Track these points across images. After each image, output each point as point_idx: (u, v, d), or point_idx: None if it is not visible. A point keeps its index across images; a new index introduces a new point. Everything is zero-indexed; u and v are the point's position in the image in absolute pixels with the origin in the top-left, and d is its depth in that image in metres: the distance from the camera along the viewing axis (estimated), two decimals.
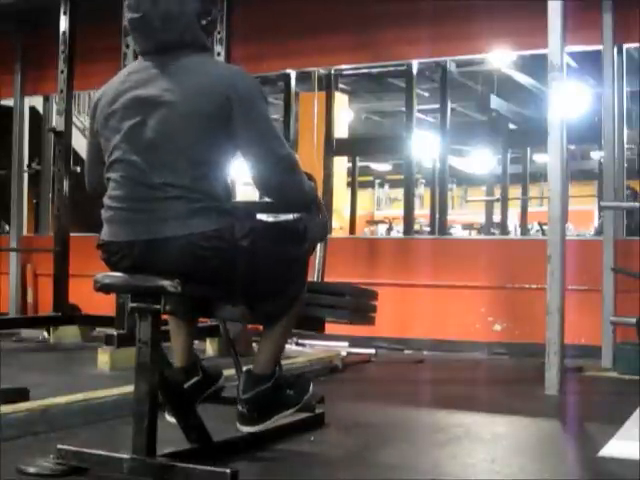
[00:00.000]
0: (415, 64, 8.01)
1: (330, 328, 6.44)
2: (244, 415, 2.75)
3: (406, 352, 6.01)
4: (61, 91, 6.11)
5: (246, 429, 2.77)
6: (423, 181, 18.76)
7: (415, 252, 6.60)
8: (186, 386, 2.89)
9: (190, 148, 2.49)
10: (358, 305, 3.40)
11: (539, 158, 15.21)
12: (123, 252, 2.54)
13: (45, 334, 6.17)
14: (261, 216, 2.74)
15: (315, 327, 3.30)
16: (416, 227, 11.44)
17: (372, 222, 17.80)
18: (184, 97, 2.50)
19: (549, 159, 4.35)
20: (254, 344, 4.92)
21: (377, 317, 6.46)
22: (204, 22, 2.63)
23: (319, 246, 3.27)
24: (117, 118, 2.58)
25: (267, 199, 2.78)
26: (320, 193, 2.91)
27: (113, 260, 2.60)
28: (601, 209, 7.81)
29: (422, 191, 19.48)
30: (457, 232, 13.89)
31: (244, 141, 2.54)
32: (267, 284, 2.68)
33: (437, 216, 9.58)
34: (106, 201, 2.61)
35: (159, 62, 2.60)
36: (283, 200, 2.70)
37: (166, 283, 2.43)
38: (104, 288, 2.59)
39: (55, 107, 6.81)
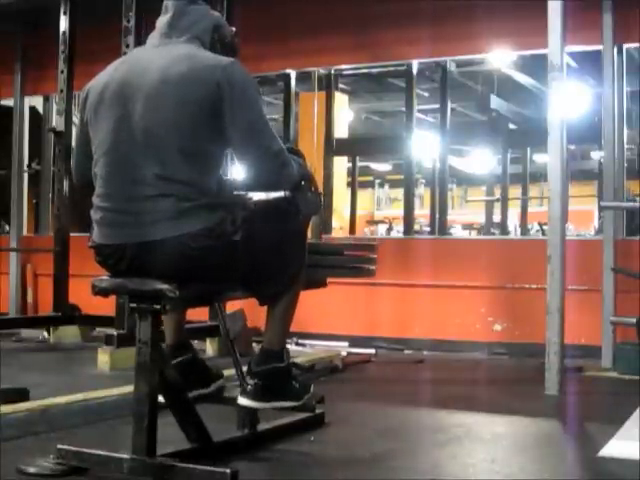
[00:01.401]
0: (415, 64, 8.00)
1: (330, 328, 6.47)
2: (250, 388, 2.72)
3: (406, 352, 6.01)
4: (61, 91, 6.11)
5: (247, 403, 2.74)
6: (423, 181, 18.75)
7: (415, 252, 6.60)
8: (174, 362, 2.86)
9: (181, 137, 2.46)
10: (357, 261, 3.42)
11: (539, 158, 15.20)
12: (117, 255, 2.53)
13: (45, 334, 6.17)
14: (252, 194, 2.70)
15: (317, 285, 3.30)
16: (416, 227, 11.43)
17: (372, 222, 17.79)
18: (175, 84, 2.48)
19: (549, 159, 4.34)
20: (254, 344, 4.92)
21: (377, 317, 6.49)
22: (216, 36, 2.69)
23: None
24: (106, 107, 2.56)
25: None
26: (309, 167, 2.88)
27: (109, 263, 2.59)
28: (601, 209, 7.80)
29: (422, 191, 19.47)
30: (457, 232, 13.88)
31: (234, 133, 2.49)
32: (266, 269, 2.67)
33: (437, 216, 9.57)
34: (95, 200, 2.59)
35: (154, 51, 2.62)
36: (278, 190, 2.67)
37: (164, 287, 2.42)
38: (102, 292, 2.58)
39: (55, 107, 6.81)
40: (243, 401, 2.74)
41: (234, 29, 2.83)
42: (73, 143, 6.46)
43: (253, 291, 2.77)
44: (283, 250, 2.67)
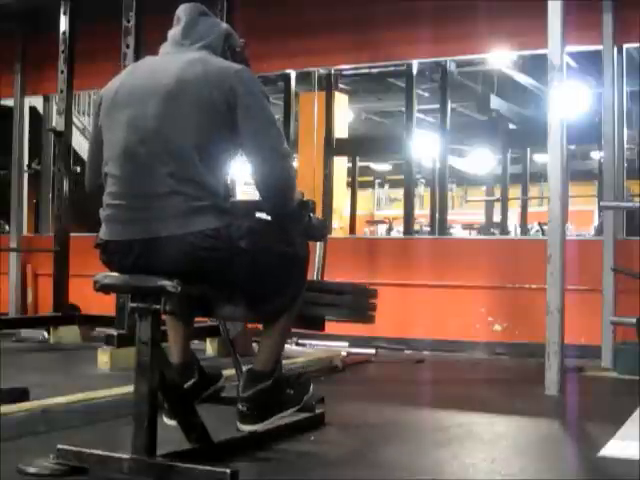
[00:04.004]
0: (415, 64, 8.02)
1: (330, 328, 6.44)
2: (244, 413, 2.74)
3: (406, 352, 6.01)
4: (61, 91, 6.11)
5: (246, 428, 2.77)
6: (423, 181, 18.77)
7: (415, 252, 6.60)
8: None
9: (196, 136, 2.50)
10: (358, 303, 3.40)
11: (539, 158, 15.21)
12: (122, 252, 2.54)
13: (45, 334, 6.17)
14: (260, 214, 2.73)
15: (315, 326, 3.30)
16: (416, 227, 11.44)
17: (372, 222, 17.81)
18: (191, 85, 2.53)
19: (549, 159, 4.34)
20: (254, 344, 4.92)
21: (377, 317, 6.47)
22: (227, 45, 2.76)
23: (318, 245, 3.27)
24: (119, 109, 2.60)
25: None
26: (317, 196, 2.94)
27: (113, 260, 2.60)
28: (601, 209, 7.80)
29: (422, 191, 19.48)
30: (457, 232, 13.89)
31: (246, 133, 2.55)
32: (266, 284, 2.69)
33: (437, 216, 9.59)
34: (105, 199, 2.61)
35: (167, 57, 2.69)
36: (279, 195, 2.65)
37: (166, 283, 2.43)
38: (104, 288, 2.59)
39: (55, 107, 6.81)
40: (243, 427, 2.77)
41: (243, 40, 2.87)
42: (74, 144, 6.50)
43: (252, 306, 2.79)
44: (284, 270, 2.70)
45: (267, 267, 2.64)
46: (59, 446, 2.58)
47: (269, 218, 2.72)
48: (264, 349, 2.79)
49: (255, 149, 2.58)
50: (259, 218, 2.74)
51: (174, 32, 2.75)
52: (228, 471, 2.37)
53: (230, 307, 2.98)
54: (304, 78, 8.91)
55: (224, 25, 2.87)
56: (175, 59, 2.64)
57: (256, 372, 2.77)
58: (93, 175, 2.78)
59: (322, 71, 8.82)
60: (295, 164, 8.47)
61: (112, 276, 2.60)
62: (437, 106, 9.67)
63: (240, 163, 2.89)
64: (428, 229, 12.50)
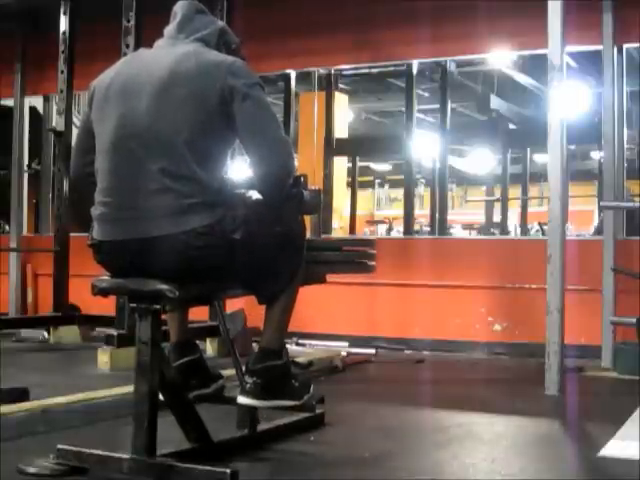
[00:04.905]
0: (415, 64, 8.02)
1: (330, 328, 6.46)
2: (249, 386, 2.71)
3: (406, 352, 6.01)
4: (61, 91, 6.12)
5: (246, 401, 2.71)
6: (423, 181, 18.77)
7: (415, 252, 6.60)
8: (177, 364, 2.85)
9: (189, 131, 2.48)
10: (356, 257, 3.42)
11: (539, 158, 15.21)
12: (116, 252, 2.54)
13: (45, 334, 6.17)
14: (252, 192, 2.69)
15: (316, 282, 3.30)
16: (416, 227, 11.45)
17: (372, 222, 17.81)
18: (183, 79, 2.52)
19: (549, 159, 4.34)
20: (254, 344, 4.92)
21: (377, 317, 6.48)
22: (222, 41, 2.75)
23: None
24: (111, 103, 2.59)
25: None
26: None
27: (107, 260, 2.60)
28: (601, 209, 7.81)
29: (422, 191, 19.49)
30: (457, 232, 13.89)
31: (243, 126, 2.52)
32: (265, 267, 2.66)
33: (437, 216, 9.59)
34: (96, 196, 2.60)
35: (160, 50, 2.67)
36: (278, 186, 2.61)
37: (164, 287, 2.42)
38: (102, 292, 2.58)
39: (55, 107, 6.81)
40: (243, 400, 2.73)
41: (239, 39, 2.86)
42: (73, 143, 6.48)
43: (252, 289, 2.77)
44: (282, 249, 2.67)
45: (263, 252, 2.61)
46: (59, 446, 2.58)
47: (260, 196, 2.68)
48: (269, 326, 2.75)
49: (254, 144, 2.54)
50: (252, 201, 2.66)
51: (170, 27, 2.74)
52: (228, 471, 2.37)
53: (228, 292, 2.98)
54: (304, 78, 8.91)
55: (220, 23, 2.86)
56: (169, 52, 2.62)
57: (265, 349, 2.74)
58: (80, 161, 2.77)
59: (322, 71, 8.82)
60: (295, 163, 8.47)
61: (109, 280, 2.59)
62: (437, 106, 9.68)
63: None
64: (428, 229, 12.50)
